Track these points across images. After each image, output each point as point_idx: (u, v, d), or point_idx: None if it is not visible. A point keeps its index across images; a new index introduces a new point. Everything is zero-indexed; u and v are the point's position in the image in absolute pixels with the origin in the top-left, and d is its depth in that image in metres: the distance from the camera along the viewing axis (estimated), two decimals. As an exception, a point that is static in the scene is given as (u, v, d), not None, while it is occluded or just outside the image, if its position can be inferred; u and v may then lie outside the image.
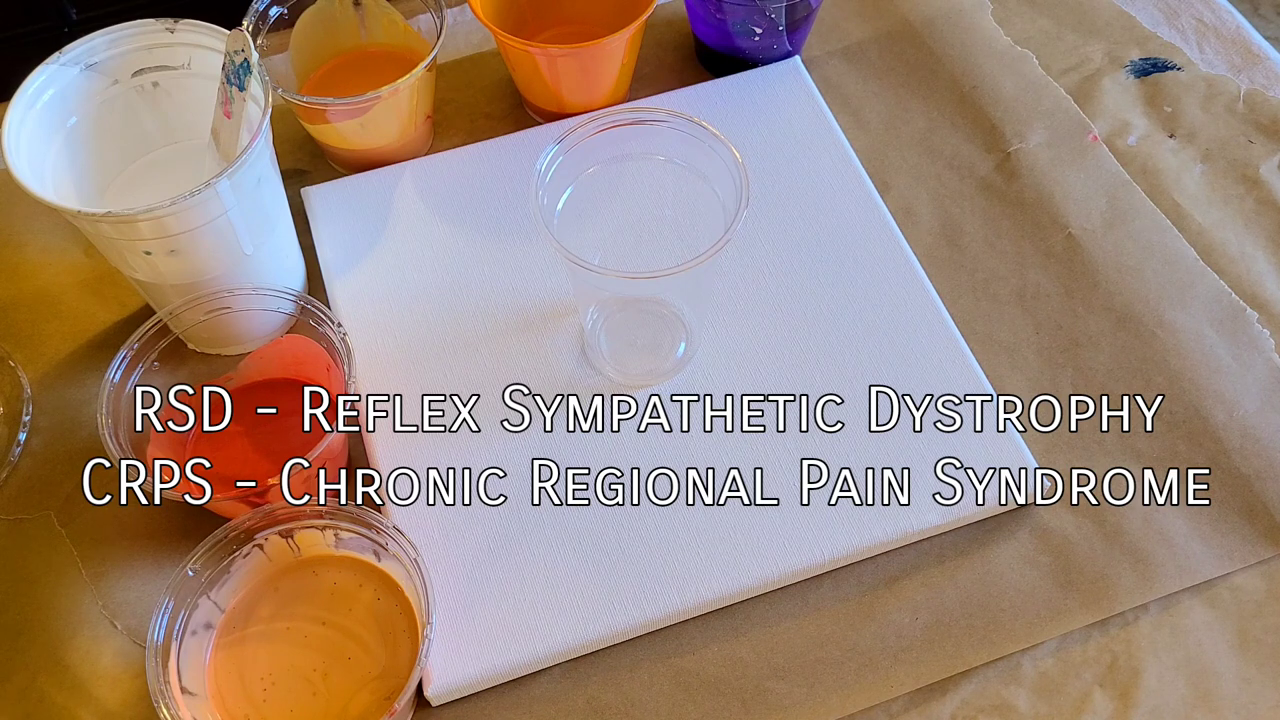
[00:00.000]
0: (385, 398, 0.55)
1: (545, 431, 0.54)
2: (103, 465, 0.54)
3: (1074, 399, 0.55)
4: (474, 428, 0.54)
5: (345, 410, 0.49)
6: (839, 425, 0.54)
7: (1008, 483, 0.52)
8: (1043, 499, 0.53)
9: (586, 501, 0.52)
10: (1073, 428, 0.55)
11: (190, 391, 0.54)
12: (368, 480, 0.54)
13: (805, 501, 0.52)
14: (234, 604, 0.49)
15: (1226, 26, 0.69)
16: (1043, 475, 0.52)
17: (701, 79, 0.67)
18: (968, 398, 0.54)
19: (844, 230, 0.59)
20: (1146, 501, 0.52)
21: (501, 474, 0.53)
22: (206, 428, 0.54)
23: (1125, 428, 0.54)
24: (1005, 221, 0.61)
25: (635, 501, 0.52)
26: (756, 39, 0.64)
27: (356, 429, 0.55)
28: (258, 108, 0.52)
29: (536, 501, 0.52)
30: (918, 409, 0.54)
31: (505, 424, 0.54)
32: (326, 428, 0.51)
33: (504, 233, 0.60)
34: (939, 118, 0.65)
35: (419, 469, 0.53)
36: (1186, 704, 0.48)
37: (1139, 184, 0.62)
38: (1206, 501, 0.52)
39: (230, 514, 0.49)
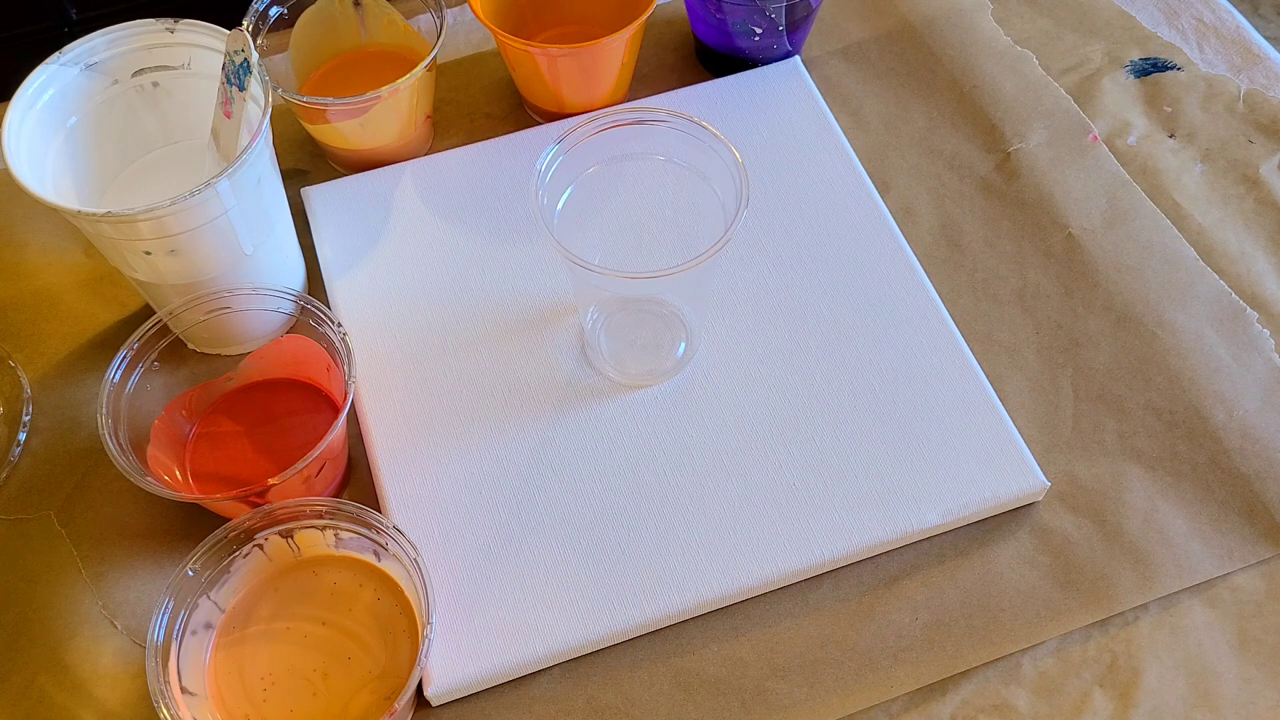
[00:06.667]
0: (385, 398, 0.55)
1: (545, 431, 0.54)
2: (103, 465, 0.54)
3: (1074, 399, 0.55)
4: (474, 428, 0.54)
5: (345, 410, 0.49)
6: (839, 425, 0.54)
7: (1008, 483, 0.52)
8: (1043, 499, 0.53)
9: (586, 501, 0.52)
10: (1073, 428, 0.55)
11: (190, 391, 0.54)
12: (368, 480, 0.54)
13: (805, 501, 0.52)
14: (234, 604, 0.49)
15: (1226, 26, 0.69)
16: (1043, 475, 0.52)
17: (701, 79, 0.67)
18: (968, 398, 0.54)
19: (844, 230, 0.59)
20: (1146, 501, 0.52)
21: (501, 474, 0.53)
22: (206, 428, 0.54)
23: (1125, 428, 0.54)
24: (1005, 221, 0.61)
25: (635, 501, 0.52)
26: (756, 39, 0.64)
27: (357, 429, 0.55)
28: (258, 108, 0.52)
29: (536, 501, 0.52)
30: (917, 409, 0.54)
31: (505, 424, 0.54)
32: (326, 428, 0.51)
33: (504, 233, 0.60)
34: (939, 118, 0.65)
35: (419, 468, 0.53)
36: (1186, 704, 0.48)
37: (1139, 184, 0.62)
38: (1206, 502, 0.52)
39: (230, 514, 0.49)
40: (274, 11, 0.60)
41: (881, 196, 0.61)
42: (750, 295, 0.58)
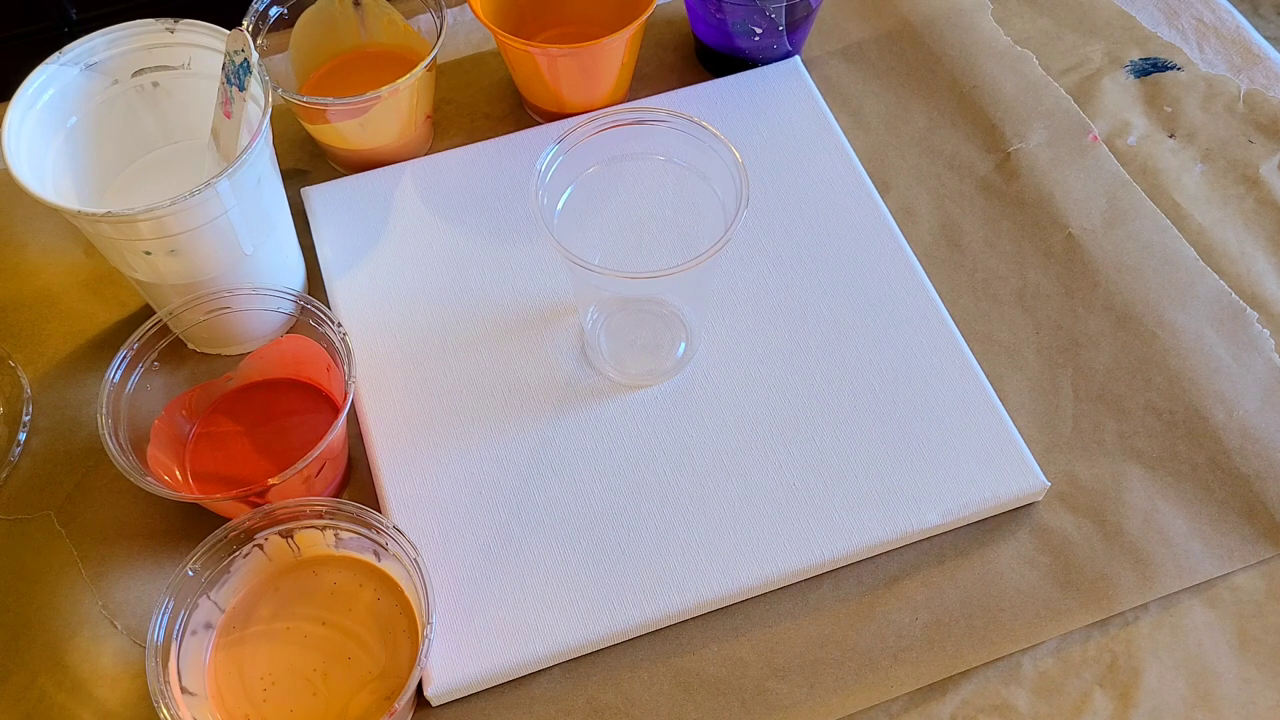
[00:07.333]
0: (385, 398, 0.55)
1: (545, 431, 0.54)
2: (103, 465, 0.54)
3: (1074, 399, 0.55)
4: (474, 428, 0.54)
5: (345, 410, 0.49)
6: (838, 425, 0.54)
7: (1008, 483, 0.52)
8: (1043, 499, 0.53)
9: (587, 501, 0.52)
10: (1073, 428, 0.55)
11: (190, 391, 0.54)
12: (368, 480, 0.54)
13: (805, 501, 0.52)
14: (234, 604, 0.49)
15: (1226, 26, 0.69)
16: (1043, 475, 0.52)
17: (701, 79, 0.67)
18: (968, 398, 0.54)
19: (844, 230, 0.59)
20: (1146, 501, 0.52)
21: (501, 474, 0.53)
22: (206, 428, 0.54)
23: (1125, 428, 0.54)
24: (1005, 221, 0.61)
25: (635, 501, 0.52)
26: (756, 39, 0.64)
27: (357, 429, 0.55)
28: (258, 108, 0.52)
29: (536, 501, 0.52)
30: (917, 409, 0.54)
31: (505, 424, 0.54)
32: (326, 428, 0.51)
33: (504, 233, 0.60)
34: (939, 118, 0.65)
35: (419, 469, 0.53)
36: (1186, 704, 0.48)
37: (1139, 184, 0.62)
38: (1206, 502, 0.52)
39: (230, 514, 0.49)
40: (274, 11, 0.60)
41: (881, 196, 0.61)
42: (750, 295, 0.58)
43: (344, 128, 0.60)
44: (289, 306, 0.53)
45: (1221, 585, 0.51)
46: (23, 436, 0.56)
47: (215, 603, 0.48)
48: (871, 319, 0.57)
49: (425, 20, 0.63)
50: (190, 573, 0.47)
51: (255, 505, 0.48)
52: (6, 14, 0.99)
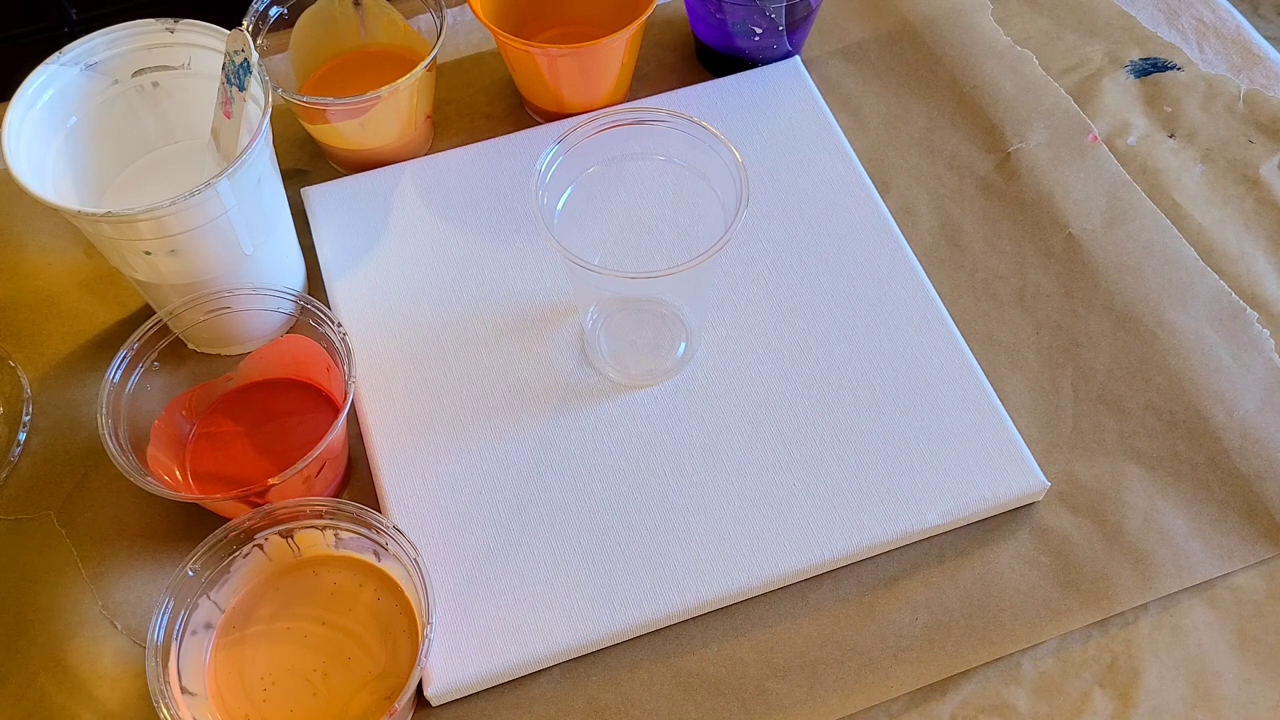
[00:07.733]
0: (385, 398, 0.55)
1: (545, 431, 0.54)
2: (103, 465, 0.54)
3: (1074, 399, 0.55)
4: (474, 428, 0.54)
5: (345, 410, 0.49)
6: (838, 425, 0.54)
7: (1008, 483, 0.52)
8: (1043, 499, 0.53)
9: (586, 501, 0.52)
10: (1073, 428, 0.55)
11: (190, 391, 0.54)
12: (368, 480, 0.54)
13: (805, 501, 0.52)
14: (234, 604, 0.49)
15: (1226, 26, 0.69)
16: (1043, 475, 0.52)
17: (701, 79, 0.67)
18: (968, 398, 0.54)
19: (844, 230, 0.59)
20: (1146, 501, 0.52)
21: (501, 474, 0.53)
22: (206, 428, 0.54)
23: (1125, 428, 0.54)
24: (1005, 221, 0.61)
25: (635, 501, 0.52)
26: (756, 39, 0.64)
27: (357, 429, 0.55)
28: (258, 108, 0.52)
29: (536, 501, 0.52)
30: (917, 409, 0.54)
31: (505, 424, 0.54)
32: (326, 428, 0.51)
33: (504, 233, 0.60)
34: (939, 118, 0.65)
35: (419, 468, 0.53)
36: (1186, 704, 0.48)
37: (1139, 184, 0.62)
38: (1206, 502, 0.52)
39: (230, 514, 0.49)
40: (274, 11, 0.60)
41: (881, 196, 0.61)
42: (750, 295, 0.58)
43: (344, 128, 0.60)
44: (289, 306, 0.53)
45: (1221, 585, 0.51)
46: (23, 436, 0.56)
47: (215, 603, 0.48)
48: (871, 319, 0.57)
49: (425, 20, 0.63)
50: (190, 573, 0.47)
51: (255, 505, 0.48)
52: (6, 14, 0.99)
